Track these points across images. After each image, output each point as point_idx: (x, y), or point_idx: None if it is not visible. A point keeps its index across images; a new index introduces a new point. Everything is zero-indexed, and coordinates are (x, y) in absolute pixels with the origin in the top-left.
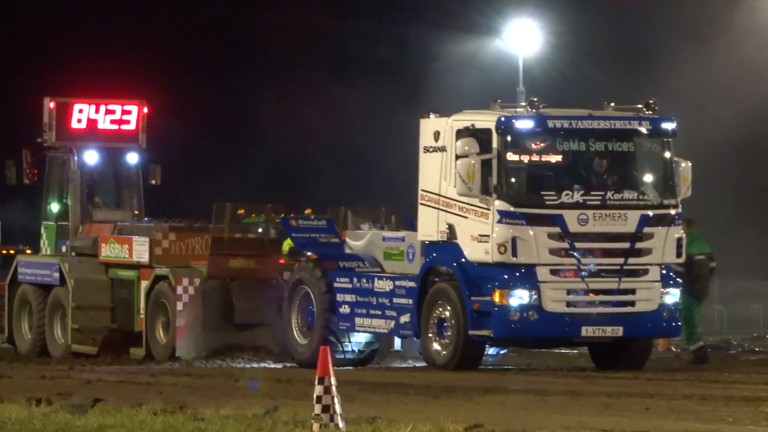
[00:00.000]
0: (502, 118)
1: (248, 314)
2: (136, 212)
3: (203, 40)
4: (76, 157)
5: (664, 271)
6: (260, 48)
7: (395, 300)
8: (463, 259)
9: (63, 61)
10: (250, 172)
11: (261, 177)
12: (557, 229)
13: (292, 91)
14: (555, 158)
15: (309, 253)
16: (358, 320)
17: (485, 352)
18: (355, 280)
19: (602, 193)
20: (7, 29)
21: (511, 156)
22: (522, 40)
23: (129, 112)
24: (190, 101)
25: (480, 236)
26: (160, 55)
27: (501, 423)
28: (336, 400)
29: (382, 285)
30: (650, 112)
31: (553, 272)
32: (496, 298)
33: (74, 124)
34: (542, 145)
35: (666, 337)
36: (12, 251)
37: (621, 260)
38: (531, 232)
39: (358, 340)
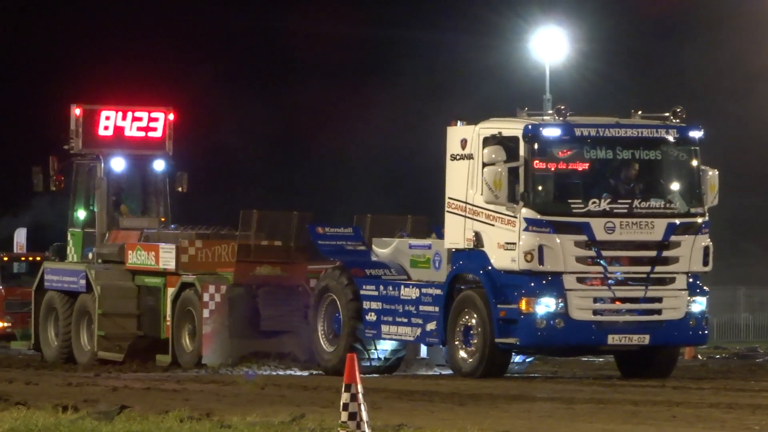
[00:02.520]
0: (530, 126)
1: (274, 321)
2: (163, 219)
3: (232, 48)
4: (102, 164)
5: (690, 280)
6: (291, 56)
7: (421, 308)
8: (489, 267)
9: (90, 68)
10: (277, 179)
11: (289, 184)
12: (584, 237)
13: (321, 99)
14: (582, 166)
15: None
16: (384, 328)
17: (511, 360)
18: (381, 287)
19: (629, 201)
20: (35, 36)
21: (538, 164)
22: (549, 48)
23: (156, 120)
24: (217, 108)
25: (507, 244)
26: (188, 63)
27: (527, 431)
28: (363, 407)
29: (409, 292)
30: (677, 120)
31: (580, 280)
32: (523, 305)
33: (101, 131)
34: (569, 153)
35: (692, 345)
36: (39, 258)
37: (648, 268)
38: (558, 240)
39: (384, 347)
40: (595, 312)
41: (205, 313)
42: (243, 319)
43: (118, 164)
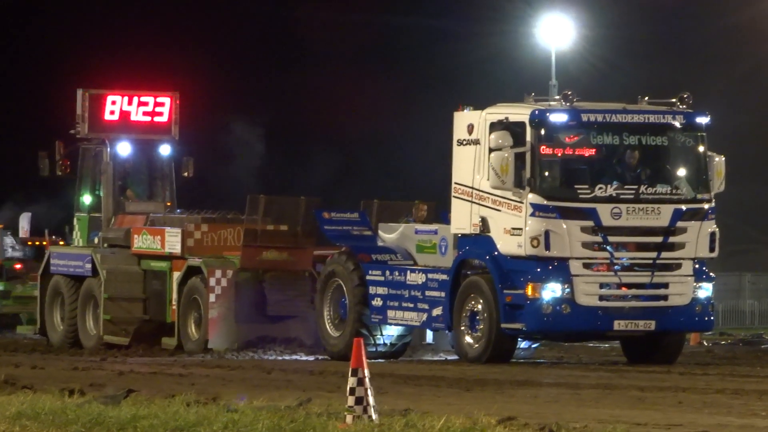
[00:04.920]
0: (536, 111)
1: (281, 306)
2: (168, 204)
3: (239, 33)
4: (108, 149)
5: (697, 266)
6: (298, 41)
7: (428, 293)
8: (495, 252)
9: (96, 53)
10: (284, 165)
11: (295, 169)
12: (590, 223)
13: (327, 84)
14: (589, 152)
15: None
16: (390, 313)
17: (517, 346)
18: (387, 272)
19: (636, 186)
20: (40, 21)
21: (544, 149)
22: (555, 33)
23: (162, 104)
24: (224, 93)
25: (513, 229)
26: (195, 47)
27: (534, 416)
28: (369, 391)
29: (415, 278)
30: (684, 106)
31: (586, 266)
32: (529, 291)
33: (107, 116)
34: (576, 138)
35: (698, 331)
36: (45, 242)
37: (654, 254)
38: (564, 226)
39: (390, 333)
40: (602, 298)
41: (212, 298)
42: (249, 303)
43: (124, 149)
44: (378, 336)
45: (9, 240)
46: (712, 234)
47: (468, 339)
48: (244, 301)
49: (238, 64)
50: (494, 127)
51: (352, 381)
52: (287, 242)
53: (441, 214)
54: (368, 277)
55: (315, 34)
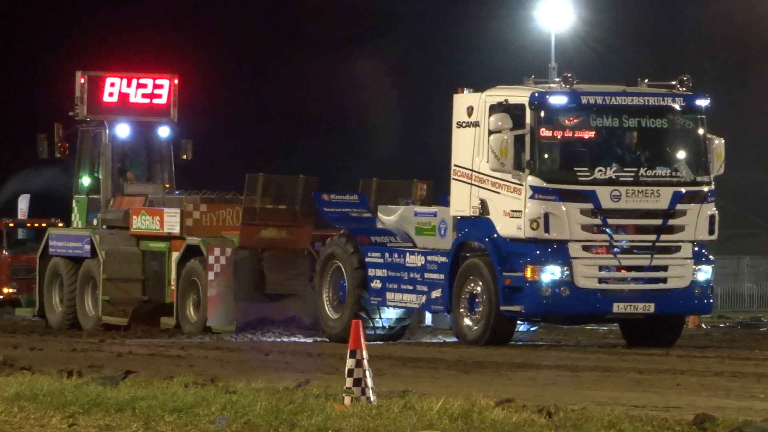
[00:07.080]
0: (536, 94)
1: (279, 285)
2: (167, 186)
3: (236, 15)
4: (107, 131)
5: (696, 248)
6: (295, 23)
7: (427, 275)
8: (495, 235)
9: (95, 35)
10: (283, 146)
11: (293, 150)
12: (590, 206)
13: (325, 67)
14: (588, 134)
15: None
16: (389, 295)
17: (516, 328)
18: (386, 255)
19: (635, 169)
20: (39, 2)
21: (544, 132)
22: (554, 16)
23: (161, 86)
24: (222, 75)
25: (512, 212)
26: (193, 29)
27: (532, 398)
28: (368, 373)
29: (414, 260)
30: (684, 89)
31: (586, 248)
32: (528, 273)
33: (106, 98)
34: (576, 120)
35: (697, 314)
36: (44, 224)
37: (653, 237)
38: (563, 208)
39: (389, 315)
40: (601, 280)
41: (210, 276)
42: (248, 282)
43: (122, 131)
44: (377, 318)
45: None
46: (712, 217)
47: (467, 321)
48: (243, 279)
49: (236, 47)
50: (494, 109)
51: (350, 363)
52: (286, 220)
53: (440, 196)
54: (367, 260)
55: (311, 17)
